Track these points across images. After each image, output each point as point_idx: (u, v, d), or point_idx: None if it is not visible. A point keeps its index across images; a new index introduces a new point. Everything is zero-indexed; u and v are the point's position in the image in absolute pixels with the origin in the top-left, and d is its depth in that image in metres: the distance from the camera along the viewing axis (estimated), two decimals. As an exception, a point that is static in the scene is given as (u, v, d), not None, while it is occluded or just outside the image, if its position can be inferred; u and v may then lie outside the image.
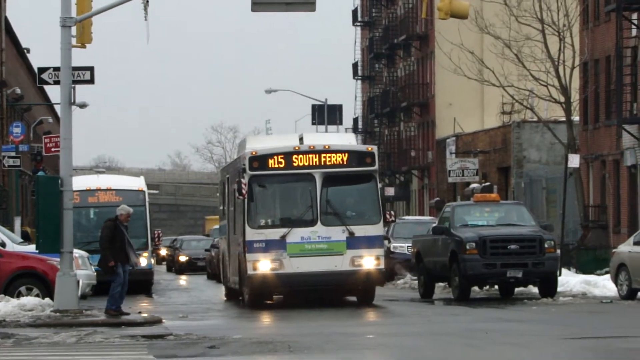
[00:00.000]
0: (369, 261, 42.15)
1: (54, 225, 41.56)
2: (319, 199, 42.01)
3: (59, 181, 42.08)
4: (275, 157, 42.42)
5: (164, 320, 39.92)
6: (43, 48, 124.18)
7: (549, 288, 49.37)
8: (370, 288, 44.25)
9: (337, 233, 41.82)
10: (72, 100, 43.72)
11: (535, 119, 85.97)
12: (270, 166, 42.53)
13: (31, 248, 45.76)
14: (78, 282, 42.07)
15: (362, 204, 43.12)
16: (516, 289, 52.11)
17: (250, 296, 43.81)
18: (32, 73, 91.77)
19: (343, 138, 47.36)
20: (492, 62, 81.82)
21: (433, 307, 45.78)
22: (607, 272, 53.61)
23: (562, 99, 76.15)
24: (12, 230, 61.62)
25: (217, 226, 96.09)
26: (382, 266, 42.65)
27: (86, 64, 43.41)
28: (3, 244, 46.28)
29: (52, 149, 72.87)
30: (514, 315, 42.50)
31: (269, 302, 45.95)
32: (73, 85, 42.89)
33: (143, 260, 58.44)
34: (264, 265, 42.03)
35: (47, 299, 41.29)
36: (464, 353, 30.91)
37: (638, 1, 72.63)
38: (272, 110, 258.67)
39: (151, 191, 69.84)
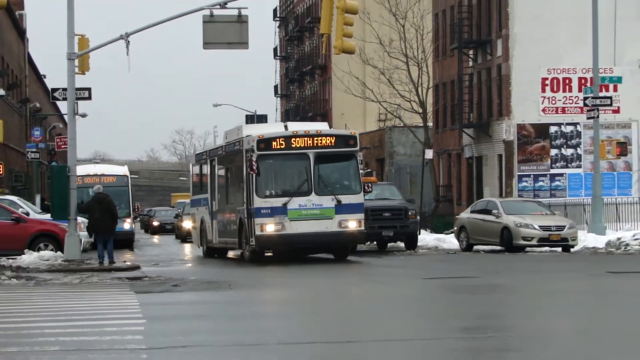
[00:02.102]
0: (353, 224, 39.98)
1: (64, 200, 41.34)
2: (312, 174, 39.73)
3: (67, 169, 41.93)
4: (278, 140, 39.90)
5: (141, 267, 39.77)
6: (55, 73, 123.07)
7: (411, 243, 49.64)
8: (348, 246, 42.33)
9: (328, 201, 39.67)
10: (76, 112, 43.50)
11: (402, 124, 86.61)
12: (273, 147, 39.87)
13: (47, 216, 45.59)
14: (81, 240, 41.88)
15: (346, 178, 40.82)
16: (388, 244, 52.33)
17: (251, 253, 41.01)
18: (47, 92, 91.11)
19: (319, 125, 44.54)
20: (371, 84, 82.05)
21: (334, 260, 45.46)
22: (452, 232, 53.91)
23: (420, 111, 77.27)
24: (33, 204, 61.31)
25: (182, 200, 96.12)
26: (362, 228, 40.60)
27: (86, 85, 43.17)
28: (27, 214, 46.15)
29: (62, 146, 72.77)
30: (388, 262, 42.57)
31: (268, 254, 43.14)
32: (76, 101, 42.71)
33: (127, 224, 58.40)
34: (270, 227, 39.40)
35: (58, 252, 41.04)
36: (345, 288, 30.94)
37: (472, 42, 73.06)
38: (218, 118, 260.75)
39: (132, 176, 69.44)
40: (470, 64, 74.40)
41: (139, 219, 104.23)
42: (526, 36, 67.27)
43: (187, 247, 57.94)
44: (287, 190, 40.19)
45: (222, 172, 46.11)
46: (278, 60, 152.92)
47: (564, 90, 66.41)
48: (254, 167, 39.06)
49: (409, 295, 28.30)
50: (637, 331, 19.89)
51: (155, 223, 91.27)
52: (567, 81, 66.39)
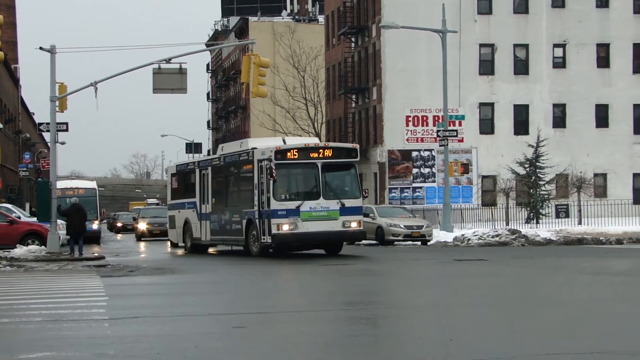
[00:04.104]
0: (354, 224, 36.51)
1: (47, 208, 40.90)
2: (321, 181, 36.19)
3: (49, 184, 41.45)
4: (292, 151, 36.13)
5: (105, 257, 39.34)
6: (41, 110, 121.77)
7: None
8: (341, 244, 38.57)
9: (333, 204, 36.06)
10: (56, 140, 43.00)
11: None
12: (288, 157, 35.98)
13: (34, 219, 45.07)
14: (59, 237, 41.37)
15: (349, 184, 37.09)
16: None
17: (260, 248, 36.88)
18: (35, 125, 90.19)
19: (311, 139, 40.90)
20: (280, 120, 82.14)
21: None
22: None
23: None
24: (24, 210, 60.60)
25: (137, 207, 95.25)
26: (362, 228, 37.22)
27: (66, 119, 42.77)
28: (19, 217, 45.66)
29: (46, 166, 72.37)
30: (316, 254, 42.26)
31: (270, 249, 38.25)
32: (57, 132, 42.24)
33: (95, 225, 57.76)
34: (285, 227, 35.56)
35: (42, 247, 40.47)
36: (271, 272, 30.77)
37: (355, 89, 73.31)
38: (165, 145, 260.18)
39: (100, 188, 68.59)
40: (353, 105, 74.69)
41: (104, 221, 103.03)
42: (394, 84, 67.67)
43: (142, 244, 57.30)
44: (300, 194, 36.59)
45: (219, 179, 41.71)
46: (210, 102, 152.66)
47: (422, 125, 66.87)
48: (274, 174, 35.28)
49: (312, 277, 28.27)
50: (476, 303, 20.03)
51: (119, 224, 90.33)
52: (424, 118, 66.88)
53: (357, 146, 38.26)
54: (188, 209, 44.42)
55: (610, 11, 69.96)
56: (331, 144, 39.41)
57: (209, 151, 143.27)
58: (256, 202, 36.82)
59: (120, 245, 56.05)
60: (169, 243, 51.81)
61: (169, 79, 40.85)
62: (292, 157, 36.15)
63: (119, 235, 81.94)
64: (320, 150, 36.50)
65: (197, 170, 43.60)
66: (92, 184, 62.40)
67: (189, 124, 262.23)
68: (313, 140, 39.96)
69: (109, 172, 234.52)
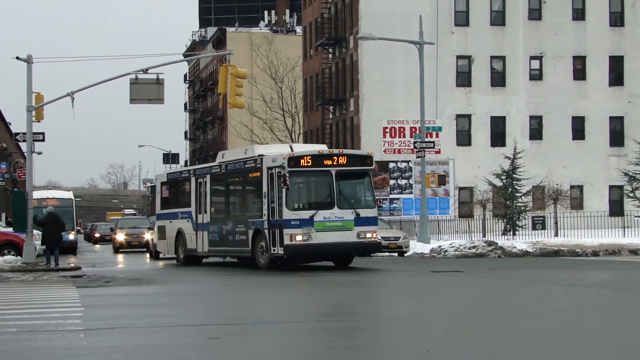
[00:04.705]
0: (369, 235, 34.50)
1: (23, 218, 40.68)
2: (335, 189, 34.15)
3: (25, 194, 41.29)
4: (306, 158, 34.30)
5: (82, 268, 39.18)
6: (18, 120, 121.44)
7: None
8: (352, 257, 36.94)
9: (348, 214, 34.08)
10: (33, 150, 42.92)
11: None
12: (302, 164, 34.10)
13: (10, 230, 44.81)
14: (35, 247, 41.15)
15: (363, 193, 35.20)
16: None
17: (270, 260, 35.08)
18: (11, 135, 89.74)
19: (320, 147, 38.71)
20: (257, 131, 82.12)
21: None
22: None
23: (294, 151, 76.99)
24: (0, 220, 60.32)
25: (115, 217, 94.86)
26: (377, 239, 35.34)
27: (42, 129, 42.63)
28: (-6, 227, 45.51)
29: (22, 176, 71.90)
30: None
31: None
32: (33, 142, 42.08)
33: (71, 236, 57.52)
34: (298, 237, 33.59)
35: (18, 257, 40.32)
36: (249, 283, 30.69)
37: (332, 100, 73.41)
38: (142, 156, 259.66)
39: (76, 199, 68.52)
40: (331, 116, 74.75)
41: (81, 231, 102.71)
42: (372, 96, 67.80)
43: (120, 256, 56.96)
44: (313, 203, 34.65)
45: (220, 187, 39.96)
46: (187, 113, 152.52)
47: (400, 136, 66.96)
48: (287, 182, 33.49)
49: (288, 288, 28.19)
50: (453, 314, 20.04)
51: (97, 235, 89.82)
52: (401, 130, 66.94)
53: (372, 153, 36.86)
54: (182, 219, 42.62)
55: (587, 24, 70.35)
56: (346, 151, 38.20)
57: (186, 162, 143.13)
58: (265, 212, 35.06)
59: (97, 256, 55.82)
60: (148, 255, 51.61)
61: (146, 90, 40.75)
62: (306, 164, 34.39)
63: (97, 245, 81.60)
64: (335, 158, 34.89)
65: (193, 179, 41.89)
66: (69, 194, 62.21)
67: (166, 134, 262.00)
68: (320, 148, 38.30)
69: (86, 183, 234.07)
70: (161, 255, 47.27)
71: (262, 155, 36.14)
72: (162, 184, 46.05)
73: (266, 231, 34.98)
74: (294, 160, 34.14)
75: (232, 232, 37.96)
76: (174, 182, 44.75)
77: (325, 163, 34.48)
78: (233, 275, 34.17)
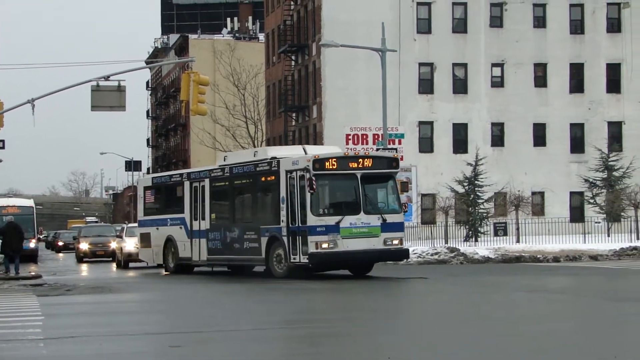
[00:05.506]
0: (396, 242, 32.85)
1: (-17, 225, 40.42)
2: (361, 193, 32.32)
3: (-15, 201, 41.04)
4: (331, 160, 32.41)
5: (42, 276, 38.88)
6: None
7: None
8: (372, 265, 35.07)
9: (374, 220, 32.30)
10: (-7, 158, 42.64)
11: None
12: (326, 167, 32.16)
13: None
14: (-5, 256, 40.88)
15: (389, 198, 33.44)
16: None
17: (288, 269, 33.15)
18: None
19: (332, 149, 36.42)
20: (220, 138, 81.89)
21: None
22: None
23: (257, 158, 76.85)
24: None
25: (76, 225, 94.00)
26: (403, 246, 33.80)
27: (1, 137, 42.38)
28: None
29: (-17, 184, 71.00)
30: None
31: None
32: (-7, 150, 41.84)
33: (32, 244, 56.99)
34: (324, 245, 31.69)
35: (-22, 265, 40.02)
36: (213, 290, 30.54)
37: (295, 107, 73.41)
38: (103, 163, 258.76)
39: (37, 206, 67.90)
40: (294, 123, 74.72)
41: (42, 239, 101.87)
42: (334, 103, 67.84)
43: (84, 266, 56.38)
44: (339, 208, 32.66)
45: (222, 191, 37.75)
46: (150, 120, 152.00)
47: (362, 143, 66.88)
48: (314, 186, 31.59)
49: (252, 295, 28.10)
50: (414, 321, 20.01)
51: (60, 243, 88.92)
52: (364, 136, 66.89)
53: (398, 156, 35.35)
54: (172, 225, 40.00)
55: (547, 31, 70.79)
56: (372, 153, 36.59)
57: (148, 169, 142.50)
58: (284, 217, 32.95)
59: (59, 265, 55.44)
60: (114, 264, 51.11)
61: (107, 97, 40.50)
62: (331, 167, 32.50)
63: (60, 254, 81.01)
64: (360, 160, 32.98)
65: (187, 183, 39.31)
66: (29, 202, 61.70)
67: (128, 141, 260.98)
68: (336, 149, 36.48)
69: (47, 190, 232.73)
70: (152, 264, 43.73)
71: (277, 157, 34.33)
72: (146, 188, 43.29)
73: (285, 238, 32.96)
74: (319, 162, 32.33)
75: (239, 240, 35.85)
76: (161, 187, 42.23)
77: (351, 166, 32.75)
78: (223, 282, 33.98)
